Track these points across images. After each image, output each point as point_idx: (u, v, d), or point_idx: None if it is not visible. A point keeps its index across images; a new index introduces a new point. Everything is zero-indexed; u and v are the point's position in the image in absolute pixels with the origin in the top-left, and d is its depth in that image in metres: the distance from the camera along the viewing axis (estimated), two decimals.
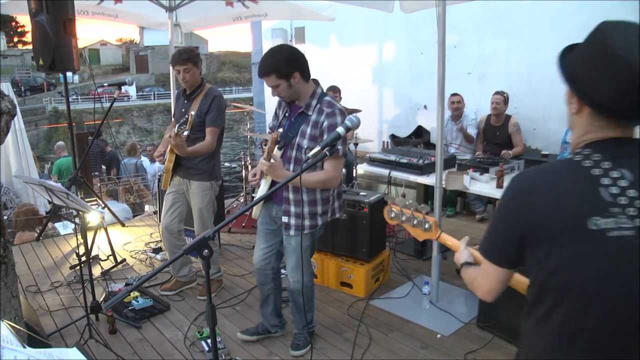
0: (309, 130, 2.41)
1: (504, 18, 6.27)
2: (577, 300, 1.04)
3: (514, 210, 1.12)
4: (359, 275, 3.57)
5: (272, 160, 2.38)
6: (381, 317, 3.29)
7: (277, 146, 2.50)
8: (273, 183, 2.56)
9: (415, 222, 1.57)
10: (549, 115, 5.87)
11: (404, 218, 1.60)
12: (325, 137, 2.35)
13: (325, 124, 2.37)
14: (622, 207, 1.00)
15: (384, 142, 7.74)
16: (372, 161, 4.40)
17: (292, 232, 2.56)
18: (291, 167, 2.47)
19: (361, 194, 3.74)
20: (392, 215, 1.63)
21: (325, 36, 8.97)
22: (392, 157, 4.18)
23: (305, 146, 2.41)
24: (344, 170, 5.78)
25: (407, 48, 7.61)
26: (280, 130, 2.50)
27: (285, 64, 2.35)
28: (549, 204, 1.05)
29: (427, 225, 1.54)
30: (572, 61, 1.09)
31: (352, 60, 8.44)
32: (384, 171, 4.14)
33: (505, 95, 5.28)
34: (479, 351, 2.84)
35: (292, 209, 2.53)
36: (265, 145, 2.60)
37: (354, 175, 5.73)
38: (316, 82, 2.51)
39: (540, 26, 5.85)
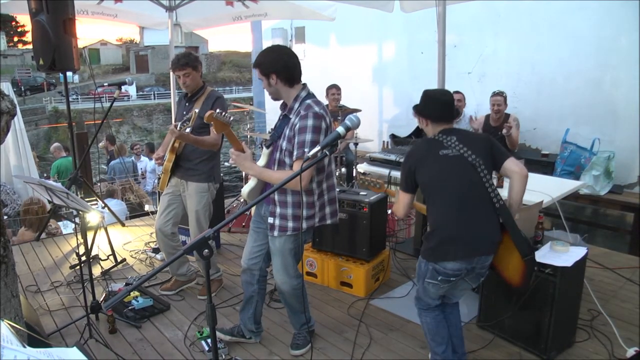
0: (287, 132, 2.43)
1: (504, 18, 6.27)
2: (440, 191, 2.32)
3: (407, 164, 2.40)
4: (359, 275, 3.57)
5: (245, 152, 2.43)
6: (381, 316, 3.30)
7: (264, 145, 2.57)
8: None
9: (375, 186, 2.90)
10: (549, 115, 5.87)
11: (372, 185, 2.91)
12: (296, 139, 2.35)
13: (297, 126, 2.36)
14: (452, 146, 2.30)
15: (384, 141, 7.73)
16: (372, 161, 4.40)
17: (275, 233, 2.54)
18: (274, 169, 2.47)
19: (361, 193, 3.74)
20: (365, 183, 2.93)
21: (325, 36, 8.96)
22: (392, 157, 4.18)
23: (284, 148, 2.42)
24: (344, 169, 5.85)
25: (407, 48, 7.61)
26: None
27: (268, 63, 2.39)
28: (420, 152, 2.40)
29: (378, 185, 2.87)
30: (418, 106, 2.44)
31: (352, 60, 8.44)
32: (384, 171, 4.14)
33: (504, 95, 5.27)
34: (479, 351, 2.85)
35: (277, 210, 2.51)
36: (265, 143, 2.60)
37: (354, 175, 5.72)
38: (304, 86, 2.50)
39: (540, 26, 5.85)
